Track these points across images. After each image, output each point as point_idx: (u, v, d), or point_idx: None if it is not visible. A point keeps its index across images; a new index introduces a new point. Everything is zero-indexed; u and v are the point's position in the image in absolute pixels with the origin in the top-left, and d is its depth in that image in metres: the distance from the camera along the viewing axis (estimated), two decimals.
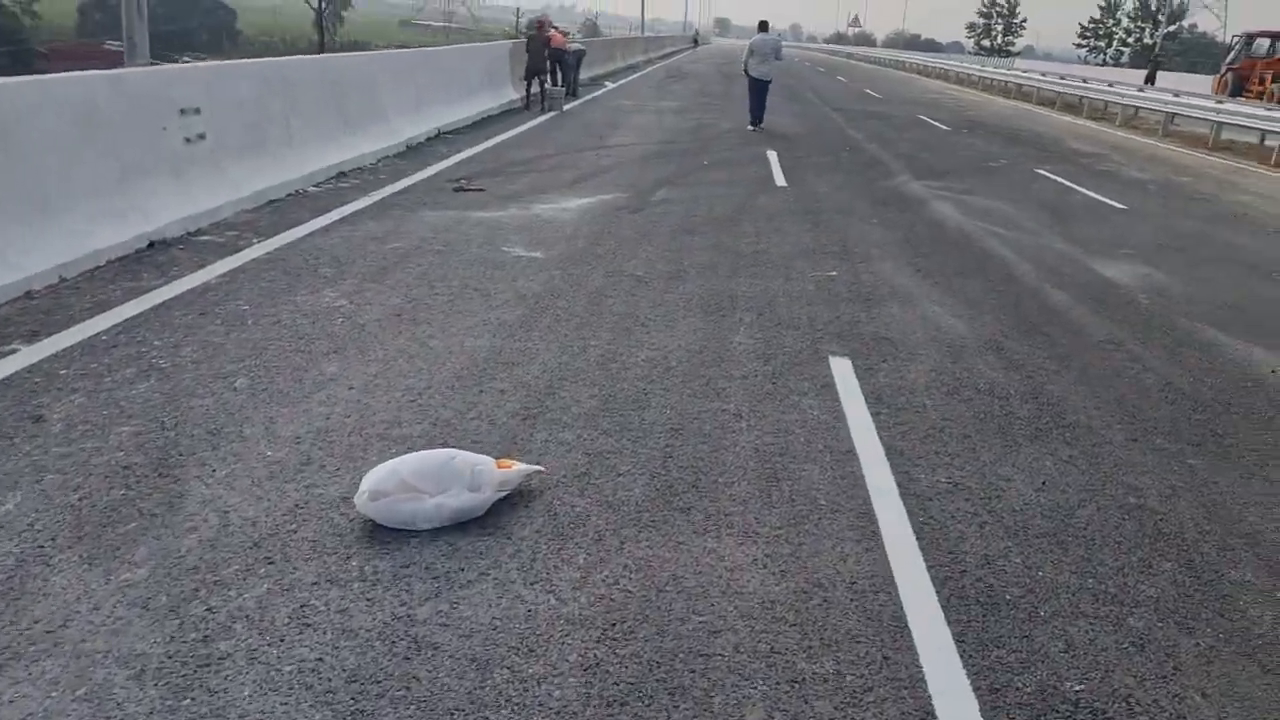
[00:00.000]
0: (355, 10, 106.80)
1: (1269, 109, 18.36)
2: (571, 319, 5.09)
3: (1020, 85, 30.71)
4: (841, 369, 4.63)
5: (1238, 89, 29.86)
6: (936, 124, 18.71)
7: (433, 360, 4.33)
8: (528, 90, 15.80)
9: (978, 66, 40.63)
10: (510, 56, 15.97)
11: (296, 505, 2.99)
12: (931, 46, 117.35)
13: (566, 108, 16.51)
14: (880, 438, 3.87)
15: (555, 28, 18.49)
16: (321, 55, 9.48)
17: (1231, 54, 32.26)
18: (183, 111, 6.42)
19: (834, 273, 6.47)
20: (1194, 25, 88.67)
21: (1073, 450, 3.89)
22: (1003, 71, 35.70)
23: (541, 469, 3.30)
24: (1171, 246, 8.16)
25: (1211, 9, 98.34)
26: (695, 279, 6.07)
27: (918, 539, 3.10)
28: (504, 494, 3.08)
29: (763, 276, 6.24)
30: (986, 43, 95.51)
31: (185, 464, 3.20)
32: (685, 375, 4.40)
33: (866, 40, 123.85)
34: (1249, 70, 29.87)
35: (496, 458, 3.23)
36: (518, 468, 3.15)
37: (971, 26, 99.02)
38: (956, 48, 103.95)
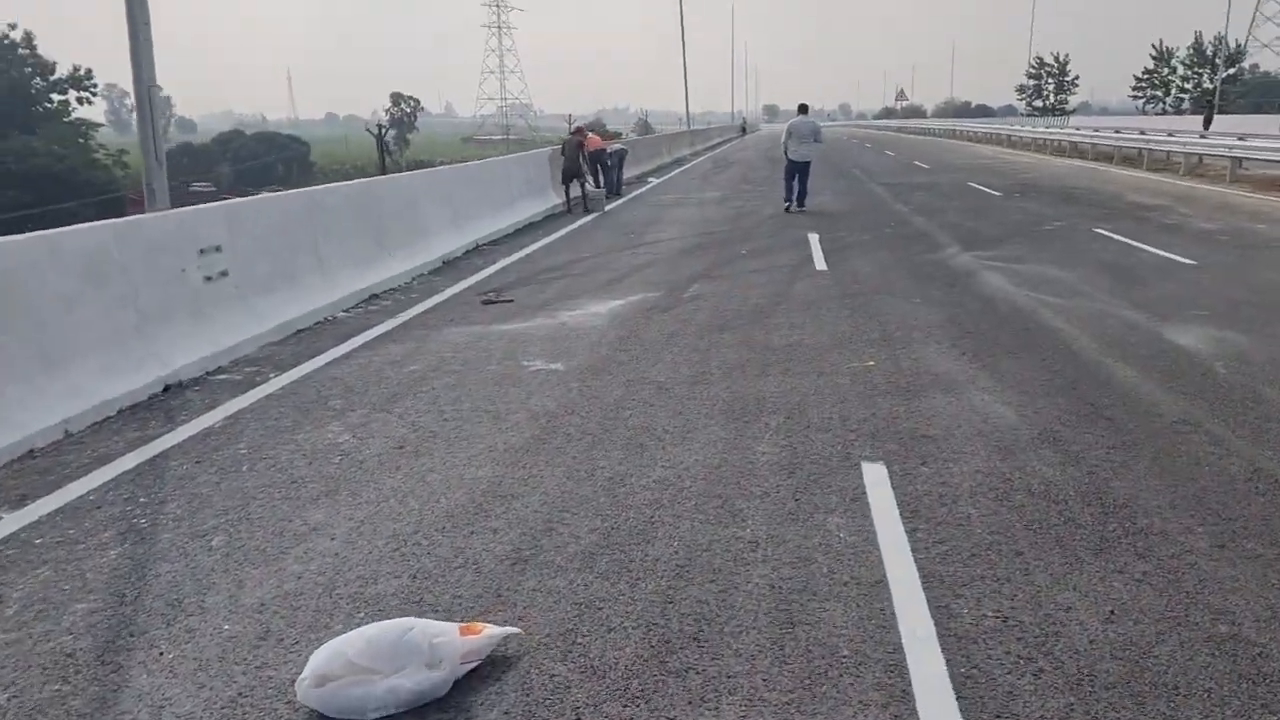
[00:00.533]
0: (420, 133, 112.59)
1: None
2: (584, 438, 4.77)
3: (1075, 143, 30.05)
4: (875, 476, 4.18)
5: None
6: (987, 190, 18.24)
7: (427, 498, 4.05)
8: (567, 194, 15.96)
9: (1028, 128, 40.08)
10: (550, 163, 16.22)
11: (240, 694, 2.68)
12: (984, 112, 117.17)
13: (608, 208, 16.64)
14: (917, 561, 3.40)
15: (591, 132, 18.82)
16: (357, 181, 9.62)
17: None
18: (202, 251, 6.46)
19: (871, 362, 6.04)
20: (1255, 65, 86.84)
21: (1146, 564, 3.35)
22: (1055, 130, 35.09)
23: (518, 630, 2.93)
24: (1249, 303, 7.49)
25: (1271, 47, 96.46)
26: (720, 381, 5.71)
27: (958, 697, 2.61)
28: (472, 665, 2.71)
29: (794, 373, 5.85)
30: (1039, 103, 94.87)
31: (134, 647, 2.93)
32: (699, 497, 4.01)
33: (917, 112, 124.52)
34: None
35: (467, 620, 2.89)
36: (488, 632, 2.78)
37: (1021, 89, 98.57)
38: (1009, 111, 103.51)
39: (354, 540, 3.68)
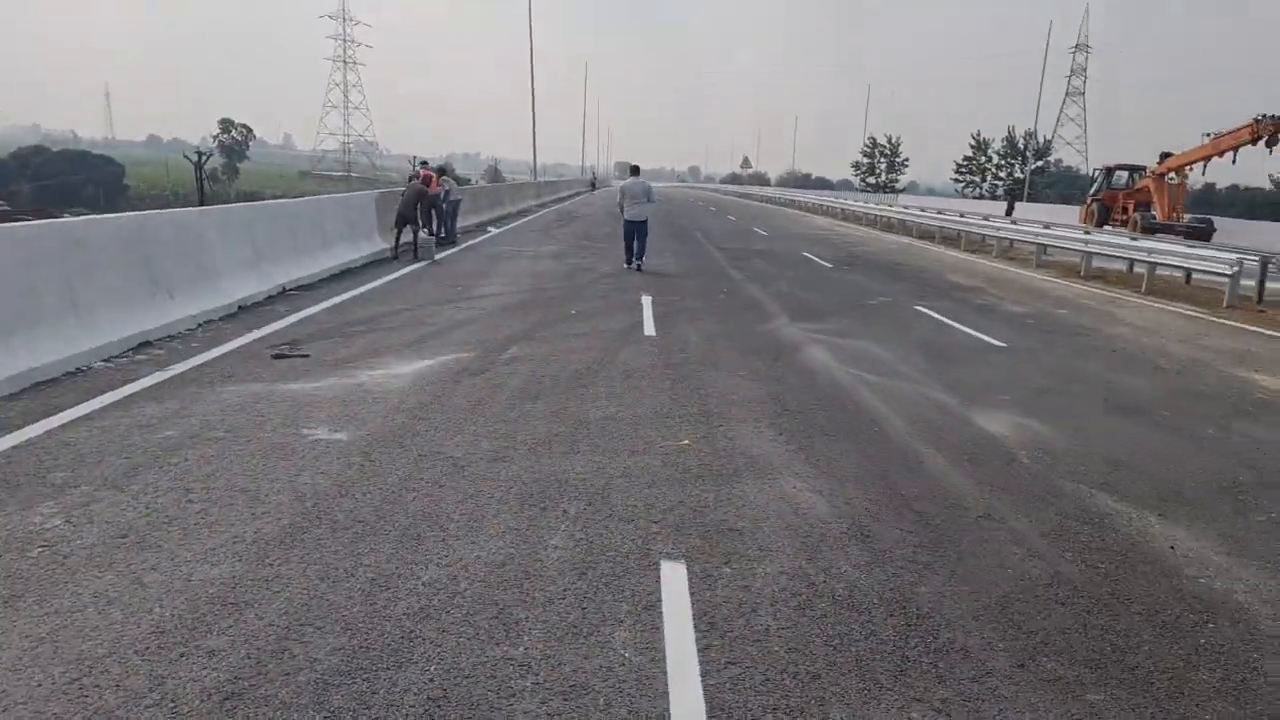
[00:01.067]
0: (254, 163, 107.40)
1: (1133, 238, 19.14)
2: (352, 526, 4.14)
3: (903, 220, 31.90)
4: (673, 579, 3.78)
5: (1104, 218, 31.71)
6: (820, 260, 18.82)
7: (136, 606, 3.31)
8: (397, 239, 15.23)
9: (861, 203, 42.41)
10: (376, 205, 15.42)
11: None
12: (822, 184, 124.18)
13: (439, 256, 15.98)
14: (705, 688, 2.99)
15: (427, 171, 18.16)
16: (128, 214, 8.58)
17: (1094, 186, 34.44)
18: None
19: (686, 441, 5.71)
20: (1059, 160, 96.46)
21: (946, 690, 3.07)
22: (884, 208, 37.25)
23: None
24: (1053, 390, 7.75)
25: (1073, 145, 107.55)
26: (523, 459, 5.21)
27: None
28: None
29: (604, 450, 5.44)
30: (872, 180, 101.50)
31: None
32: (472, 604, 3.47)
33: (761, 179, 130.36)
34: (1112, 200, 31.81)
35: None
36: None
37: (857, 165, 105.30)
38: (846, 185, 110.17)
39: (23, 666, 2.91)
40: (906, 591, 3.78)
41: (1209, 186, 55.41)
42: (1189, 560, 4.28)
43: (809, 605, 3.62)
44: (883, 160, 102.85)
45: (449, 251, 16.90)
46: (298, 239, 11.62)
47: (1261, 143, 24.24)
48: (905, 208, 37.15)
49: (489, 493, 4.66)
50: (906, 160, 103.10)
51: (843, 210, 41.47)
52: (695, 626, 3.41)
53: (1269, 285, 14.71)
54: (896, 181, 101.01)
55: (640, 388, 7.05)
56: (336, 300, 10.44)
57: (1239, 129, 24.83)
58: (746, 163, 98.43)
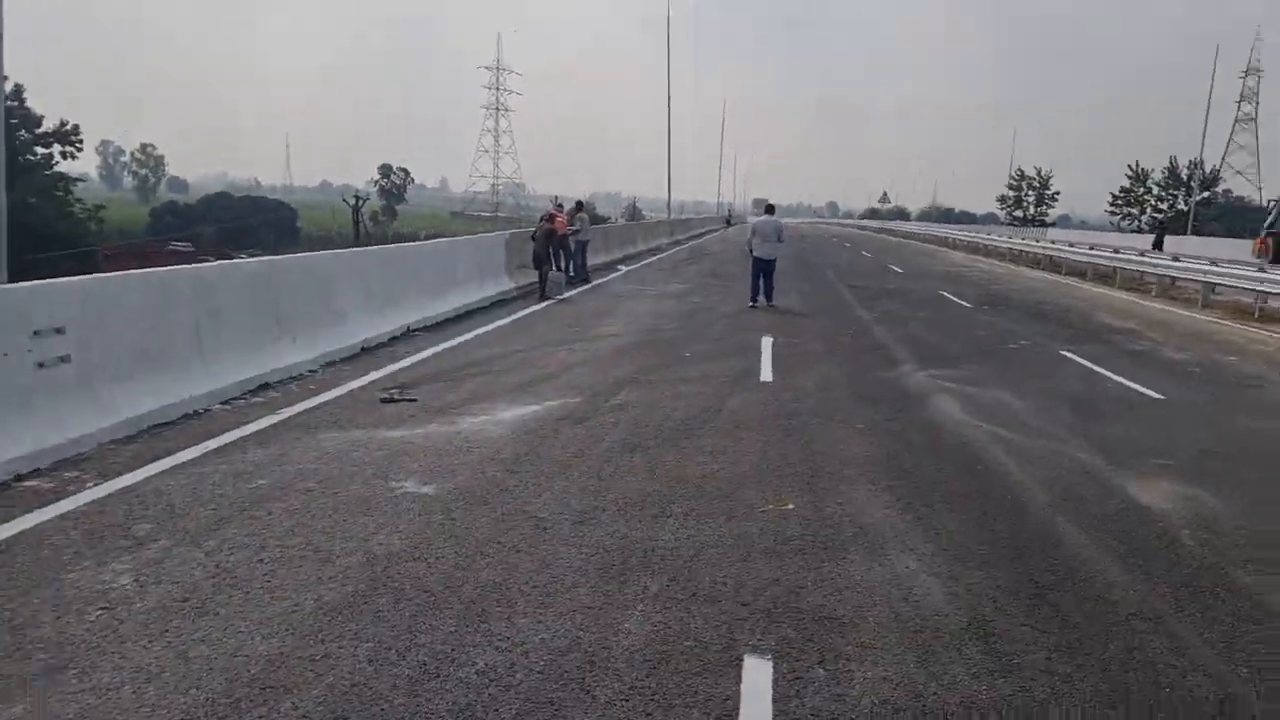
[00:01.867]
0: (410, 204, 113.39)
1: None
2: (417, 596, 3.90)
3: (1050, 256, 30.00)
4: (756, 680, 3.33)
5: None
6: (957, 300, 17.78)
7: (174, 685, 3.15)
8: (541, 277, 15.35)
9: (1005, 238, 40.30)
10: (507, 246, 15.64)
11: None
12: (966, 218, 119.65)
13: (569, 294, 16.11)
14: None
15: (559, 211, 18.43)
16: (262, 259, 8.97)
17: (1271, 217, 31.46)
18: (37, 333, 5.63)
19: (790, 505, 5.23)
20: (1228, 190, 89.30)
21: None
22: (1029, 242, 35.23)
23: None
24: (1220, 453, 6.78)
25: (1244, 174, 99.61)
26: (610, 522, 4.88)
27: None
28: None
29: (698, 514, 5.03)
30: (1019, 213, 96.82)
31: None
32: (523, 702, 3.14)
33: (901, 214, 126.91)
34: None
35: None
36: None
37: (1003, 199, 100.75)
38: (991, 219, 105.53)
39: None
40: (1036, 712, 3.19)
41: None
42: None
43: None
44: (1030, 193, 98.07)
45: (577, 290, 16.95)
46: (423, 280, 11.83)
47: None
48: (1053, 241, 34.97)
49: (567, 561, 4.34)
50: (1057, 193, 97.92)
51: (985, 246, 39.53)
52: None
53: None
54: (1046, 215, 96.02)
55: (747, 440, 6.61)
56: (456, 341, 10.50)
57: None
58: (885, 197, 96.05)
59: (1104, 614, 3.98)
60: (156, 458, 5.68)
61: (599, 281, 19.18)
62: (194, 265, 7.92)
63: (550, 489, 5.40)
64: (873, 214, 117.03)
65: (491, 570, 4.21)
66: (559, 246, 17.30)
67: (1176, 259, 22.99)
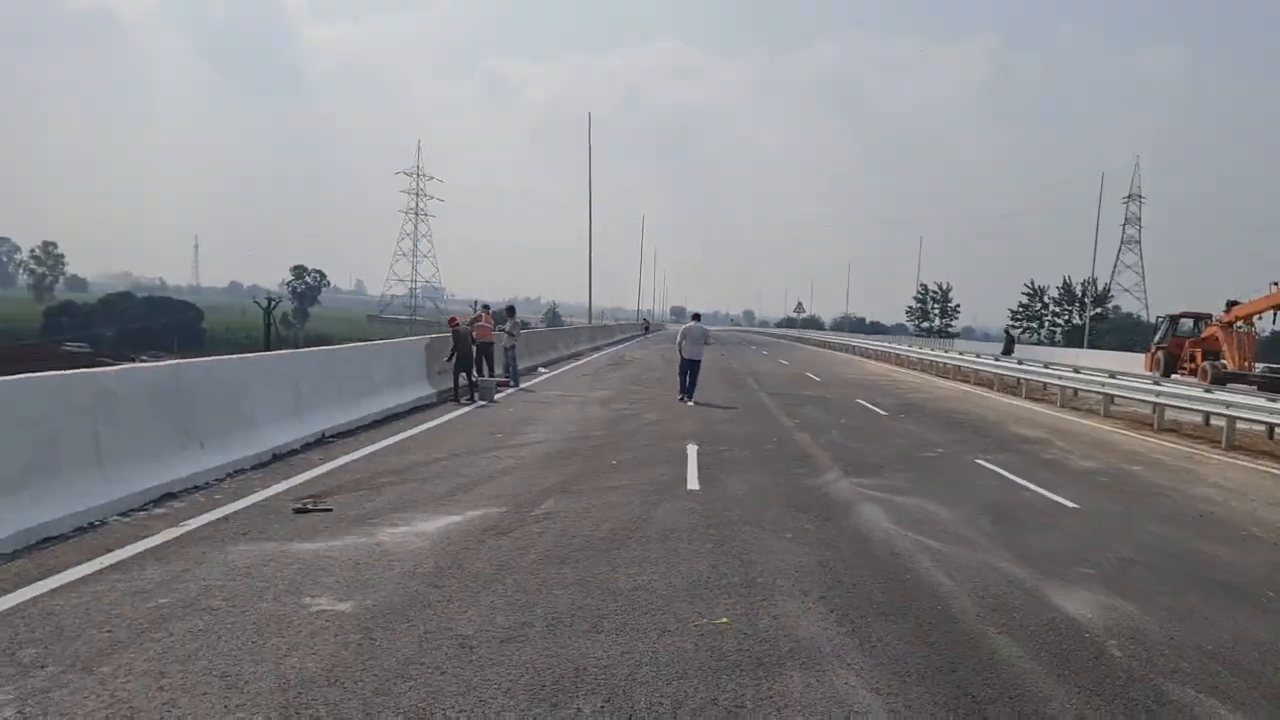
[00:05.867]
0: (324, 306, 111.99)
1: (1206, 389, 18.21)
2: None
3: (959, 366, 31.22)
4: None
5: (1171, 366, 30.64)
6: (874, 408, 18.22)
7: None
8: (455, 382, 15.36)
9: (916, 349, 41.88)
10: (427, 350, 15.46)
11: None
12: (877, 328, 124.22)
13: (498, 397, 16.03)
14: None
15: (486, 315, 18.51)
16: (166, 363, 8.56)
17: (1159, 334, 33.52)
18: None
19: (725, 619, 5.11)
20: (1117, 306, 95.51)
21: None
22: (940, 354, 36.66)
23: None
24: (1138, 561, 6.96)
25: (1131, 292, 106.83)
26: (540, 639, 4.67)
27: None
28: None
29: (631, 630, 4.87)
30: (926, 324, 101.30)
31: None
32: None
33: (814, 323, 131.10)
34: (1178, 348, 30.85)
35: None
36: None
37: (910, 310, 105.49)
38: (900, 329, 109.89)
39: None
40: None
41: (1276, 335, 53.72)
42: None
43: None
44: (935, 305, 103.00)
45: (503, 395, 16.81)
46: (340, 384, 11.52)
47: None
48: (961, 353, 36.45)
49: (495, 683, 4.12)
50: (958, 306, 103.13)
51: (897, 355, 40.97)
52: None
53: None
54: (951, 326, 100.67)
55: (678, 551, 6.50)
56: (375, 447, 10.19)
57: None
58: (800, 307, 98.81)
59: None
60: (44, 575, 5.25)
61: (523, 386, 19.06)
62: (93, 370, 7.53)
63: (476, 604, 5.17)
64: (789, 322, 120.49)
65: (414, 694, 3.95)
66: (484, 352, 17.24)
67: (1077, 370, 24.15)
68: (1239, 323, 28.01)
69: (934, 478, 10.25)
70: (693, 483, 9.14)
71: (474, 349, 16.32)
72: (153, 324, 69.41)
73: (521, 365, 20.45)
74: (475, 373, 16.27)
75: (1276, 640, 5.33)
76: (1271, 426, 15.42)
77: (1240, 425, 15.16)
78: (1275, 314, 26.51)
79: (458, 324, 16.05)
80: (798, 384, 24.55)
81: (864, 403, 19.37)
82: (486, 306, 20.54)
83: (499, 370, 18.64)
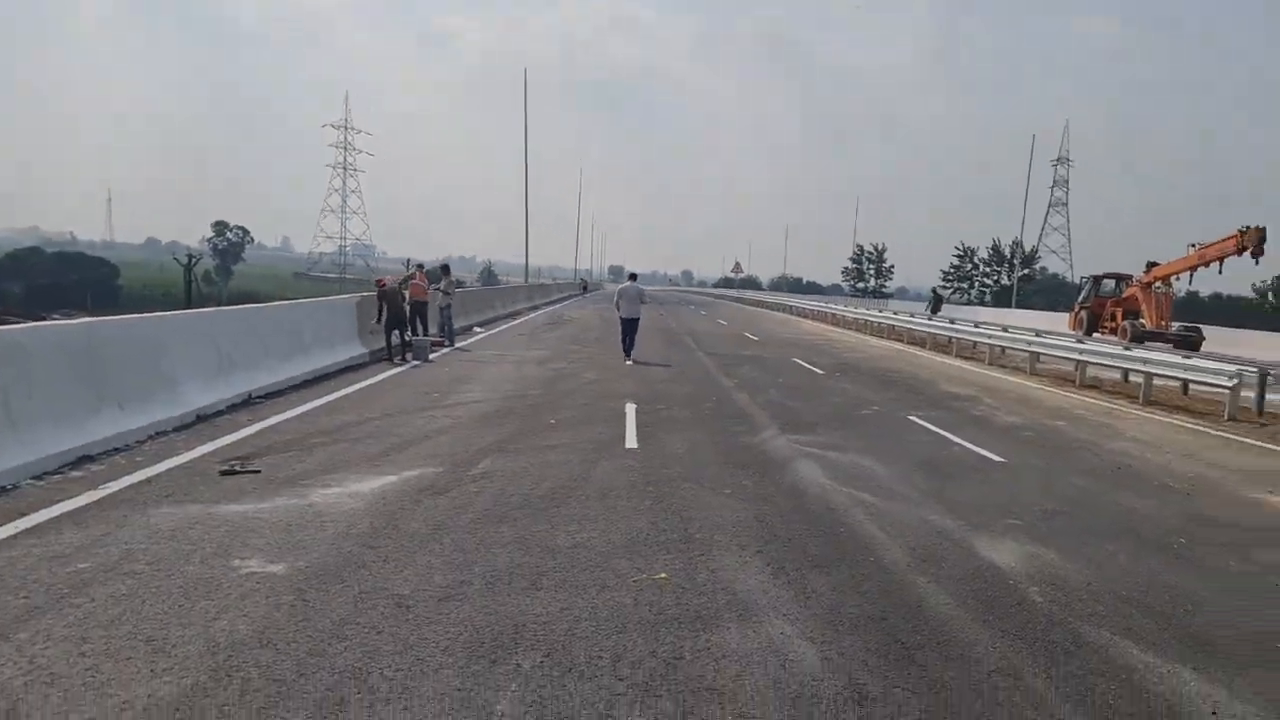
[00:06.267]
0: (249, 264, 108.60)
1: (1126, 347, 18.89)
2: (266, 686, 3.55)
3: (894, 326, 31.83)
4: None
5: (1093, 325, 31.71)
6: (811, 367, 18.48)
7: None
8: (388, 341, 15.13)
9: (852, 309, 42.57)
10: (359, 309, 15.13)
11: None
12: (814, 289, 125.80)
13: (433, 357, 15.83)
14: None
15: (419, 273, 18.15)
16: (80, 320, 8.20)
17: (1082, 294, 34.58)
18: None
19: (664, 574, 5.15)
20: (1044, 268, 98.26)
21: None
22: (874, 314, 37.32)
23: None
24: (1060, 513, 7.21)
25: (1058, 254, 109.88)
26: (478, 597, 4.64)
27: None
28: None
29: (571, 586, 4.87)
30: (862, 285, 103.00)
31: None
32: None
33: (753, 284, 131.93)
34: (1100, 308, 31.89)
35: None
36: None
37: (846, 271, 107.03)
38: (837, 290, 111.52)
39: None
40: None
41: (1193, 295, 56.03)
42: None
43: None
44: (870, 266, 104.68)
45: (437, 355, 16.58)
46: (267, 343, 11.20)
47: (1246, 253, 24.40)
48: (895, 313, 37.19)
49: (433, 641, 4.08)
50: (893, 267, 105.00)
51: (833, 315, 41.58)
52: None
53: (1270, 397, 14.35)
54: (885, 287, 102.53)
55: (617, 509, 6.51)
56: (305, 408, 9.95)
57: (1224, 240, 25.02)
58: (738, 267, 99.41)
59: (968, 672, 4.08)
60: None
61: (459, 346, 18.82)
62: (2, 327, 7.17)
63: (412, 564, 5.11)
64: (727, 283, 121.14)
65: (349, 654, 3.89)
66: (417, 311, 16.95)
67: (1005, 329, 24.82)
68: (1157, 283, 29.06)
69: (868, 434, 10.46)
70: (631, 441, 9.16)
71: (407, 308, 16.09)
72: (63, 280, 66.41)
73: (457, 324, 20.20)
74: (409, 332, 16.04)
75: (1185, 584, 5.59)
76: (1185, 382, 16.09)
77: (1156, 381, 15.79)
78: (1191, 275, 27.59)
79: (385, 284, 15.72)
80: (736, 344, 24.74)
81: (801, 362, 19.62)
82: (420, 265, 20.18)
83: (434, 330, 18.37)
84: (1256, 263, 24.79)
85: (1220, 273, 26.19)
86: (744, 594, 4.91)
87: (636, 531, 5.97)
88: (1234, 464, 10.00)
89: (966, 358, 23.28)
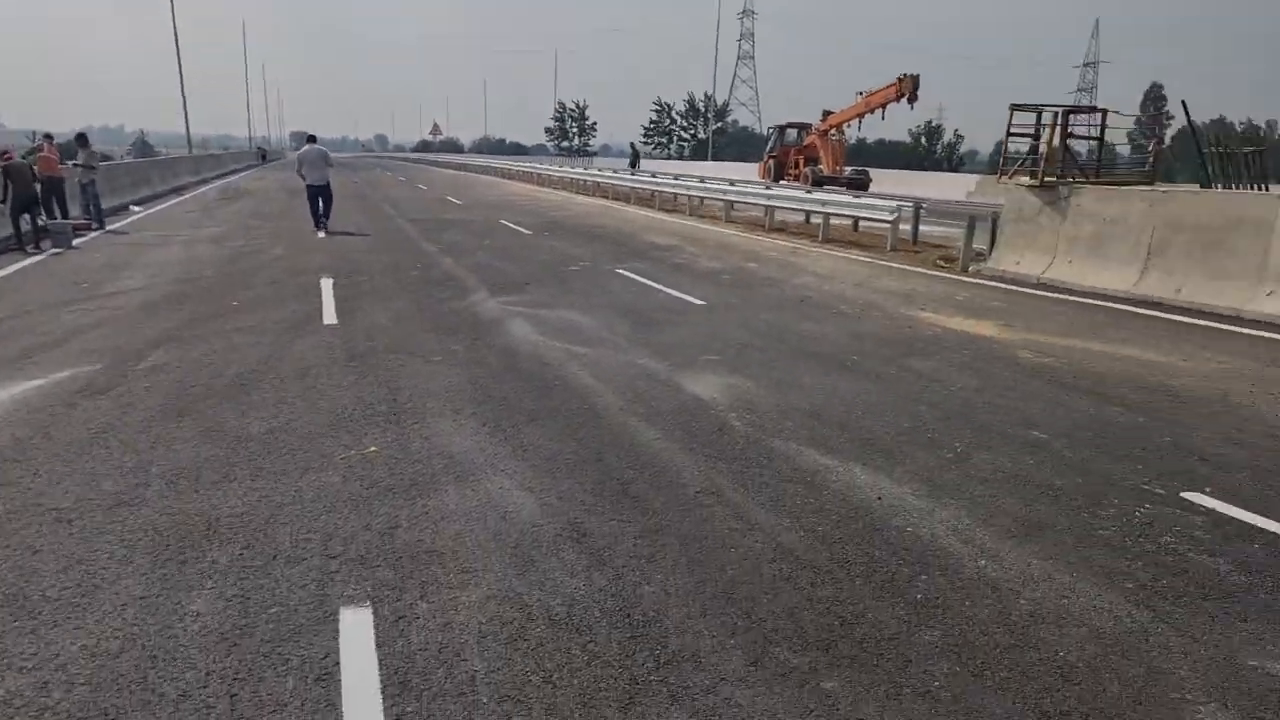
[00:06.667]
0: None
1: (808, 191, 20.60)
2: None
3: (599, 183, 32.29)
4: (356, 630, 3.07)
5: (780, 173, 34.26)
6: (518, 228, 18.32)
7: None
8: (16, 227, 12.80)
9: (557, 168, 42.53)
10: None
11: None
12: (518, 150, 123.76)
13: (78, 243, 13.63)
14: None
15: (49, 146, 15.33)
16: None
17: (770, 143, 37.04)
18: None
19: (374, 448, 4.93)
20: (736, 121, 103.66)
21: (680, 711, 2.68)
22: (579, 171, 37.58)
23: None
24: (753, 345, 7.81)
25: (748, 106, 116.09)
26: (158, 500, 4.16)
27: None
28: None
29: (269, 473, 4.51)
30: (566, 144, 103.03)
31: None
32: None
33: (454, 146, 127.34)
34: (785, 157, 34.43)
35: None
36: None
37: (549, 130, 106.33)
38: (541, 150, 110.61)
39: None
40: (630, 595, 3.36)
41: (862, 141, 62.20)
42: (895, 509, 4.28)
43: (522, 635, 3.07)
44: (574, 125, 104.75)
45: (91, 236, 14.33)
46: None
47: (904, 99, 27.29)
48: (600, 170, 37.69)
49: (107, 551, 3.61)
50: (595, 124, 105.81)
51: (539, 175, 41.32)
52: (383, 692, 2.74)
53: (921, 228, 16.44)
54: (589, 145, 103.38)
55: (317, 388, 6.10)
56: None
57: (886, 87, 27.76)
58: (437, 129, 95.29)
59: (677, 497, 4.34)
60: None
61: (111, 228, 16.42)
62: None
63: (72, 474, 4.46)
64: (425, 146, 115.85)
65: (1, 579, 3.34)
66: (51, 190, 14.43)
67: (703, 180, 26.05)
68: (833, 131, 31.80)
69: (577, 289, 10.61)
70: (330, 317, 8.58)
71: (38, 187, 13.62)
72: None
73: (107, 205, 17.57)
74: (43, 215, 13.69)
75: (858, 394, 6.33)
76: (856, 219, 17.98)
77: (833, 221, 17.48)
78: (860, 122, 30.46)
79: (11, 158, 13.16)
80: (439, 209, 23.86)
81: (508, 223, 19.37)
82: (49, 136, 17.03)
83: (76, 211, 15.83)
84: (911, 108, 27.86)
85: (883, 119, 29.17)
86: (460, 456, 4.84)
87: (341, 409, 5.64)
88: (894, 288, 11.38)
89: (669, 210, 24.26)
